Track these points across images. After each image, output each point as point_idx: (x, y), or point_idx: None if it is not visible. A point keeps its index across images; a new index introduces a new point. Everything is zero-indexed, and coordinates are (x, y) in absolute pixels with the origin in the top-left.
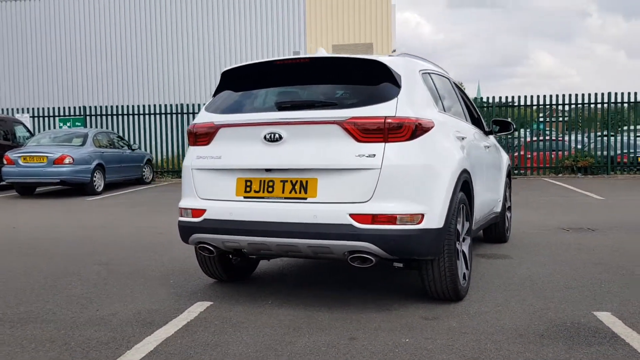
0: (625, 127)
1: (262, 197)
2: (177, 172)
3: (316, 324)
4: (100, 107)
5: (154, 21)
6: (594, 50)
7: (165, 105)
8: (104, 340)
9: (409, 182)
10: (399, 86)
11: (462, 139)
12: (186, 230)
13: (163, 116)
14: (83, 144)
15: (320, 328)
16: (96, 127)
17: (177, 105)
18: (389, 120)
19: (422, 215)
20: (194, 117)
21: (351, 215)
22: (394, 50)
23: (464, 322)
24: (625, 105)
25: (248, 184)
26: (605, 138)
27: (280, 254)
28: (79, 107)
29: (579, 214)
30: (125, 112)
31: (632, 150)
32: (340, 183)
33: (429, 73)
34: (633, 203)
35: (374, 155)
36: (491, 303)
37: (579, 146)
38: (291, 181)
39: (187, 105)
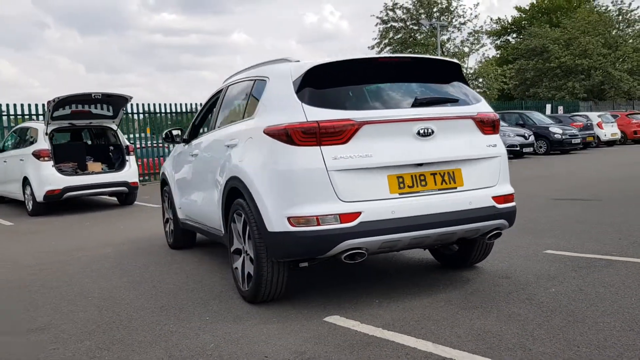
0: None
1: (417, 192)
2: None
3: (456, 309)
4: None
5: None
6: (55, 62)
7: None
8: None
9: (507, 167)
10: (468, 85)
11: None
12: (331, 239)
13: None
14: None
15: (473, 307)
16: None
17: None
18: (497, 116)
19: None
20: None
21: (493, 197)
22: None
23: (526, 275)
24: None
25: (400, 180)
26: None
27: (432, 244)
28: None
29: None
30: None
31: None
32: (478, 170)
33: None
34: None
35: (495, 145)
36: (495, 262)
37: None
38: (440, 173)
39: None
